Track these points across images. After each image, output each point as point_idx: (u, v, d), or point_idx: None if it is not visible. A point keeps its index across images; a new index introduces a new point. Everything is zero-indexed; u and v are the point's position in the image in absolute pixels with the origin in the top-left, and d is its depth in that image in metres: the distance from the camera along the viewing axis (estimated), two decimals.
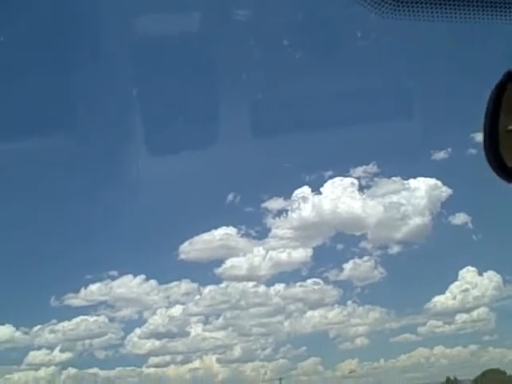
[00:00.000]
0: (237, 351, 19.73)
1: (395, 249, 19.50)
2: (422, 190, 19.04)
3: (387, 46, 15.03)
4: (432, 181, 18.93)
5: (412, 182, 19.05)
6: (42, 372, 18.27)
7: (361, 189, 18.81)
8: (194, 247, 18.66)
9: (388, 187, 18.91)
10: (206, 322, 19.47)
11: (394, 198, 18.94)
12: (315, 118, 15.20)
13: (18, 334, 18.37)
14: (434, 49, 14.27)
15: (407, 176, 18.74)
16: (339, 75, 15.32)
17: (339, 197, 18.82)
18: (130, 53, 13.65)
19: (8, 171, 16.35)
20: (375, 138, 16.39)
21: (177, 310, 19.36)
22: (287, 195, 18.92)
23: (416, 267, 19.91)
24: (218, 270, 19.10)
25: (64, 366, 18.44)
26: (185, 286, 19.09)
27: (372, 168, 18.57)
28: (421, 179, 19.04)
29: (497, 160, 1.72)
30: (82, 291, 18.35)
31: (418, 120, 15.93)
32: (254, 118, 15.02)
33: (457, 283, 19.30)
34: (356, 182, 18.74)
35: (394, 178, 18.90)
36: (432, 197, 18.99)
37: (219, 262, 19.17)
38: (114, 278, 18.61)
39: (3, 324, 18.16)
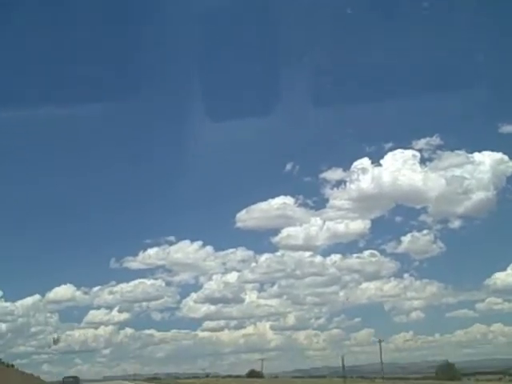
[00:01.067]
0: (290, 319, 19.98)
1: (456, 223, 19.12)
2: (487, 164, 18.65)
3: (455, 19, 14.47)
4: (498, 155, 18.49)
5: (477, 156, 18.66)
6: (101, 330, 19.16)
7: (422, 161, 18.53)
8: (251, 215, 18.87)
9: (451, 160, 18.56)
10: (260, 290, 19.77)
11: (457, 172, 18.60)
12: (378, 88, 14.99)
13: (78, 293, 19.26)
14: (505, 23, 13.65)
15: (472, 149, 18.32)
16: (404, 46, 14.97)
17: (399, 169, 18.69)
18: (194, 23, 13.66)
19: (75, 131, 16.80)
20: (440, 110, 16.09)
21: (232, 277, 19.77)
22: (346, 166, 18.89)
23: (477, 243, 19.48)
24: (275, 239, 19.32)
25: (121, 325, 19.22)
26: (241, 253, 19.40)
27: (435, 140, 18.24)
28: (486, 153, 18.61)
29: None
30: (141, 255, 18.92)
31: (485, 92, 15.49)
32: (315, 88, 14.93)
33: None
34: (418, 154, 18.47)
35: (457, 151, 18.53)
36: (497, 171, 18.55)
37: (276, 230, 19.39)
38: (171, 243, 19.10)
39: (65, 283, 18.96)
